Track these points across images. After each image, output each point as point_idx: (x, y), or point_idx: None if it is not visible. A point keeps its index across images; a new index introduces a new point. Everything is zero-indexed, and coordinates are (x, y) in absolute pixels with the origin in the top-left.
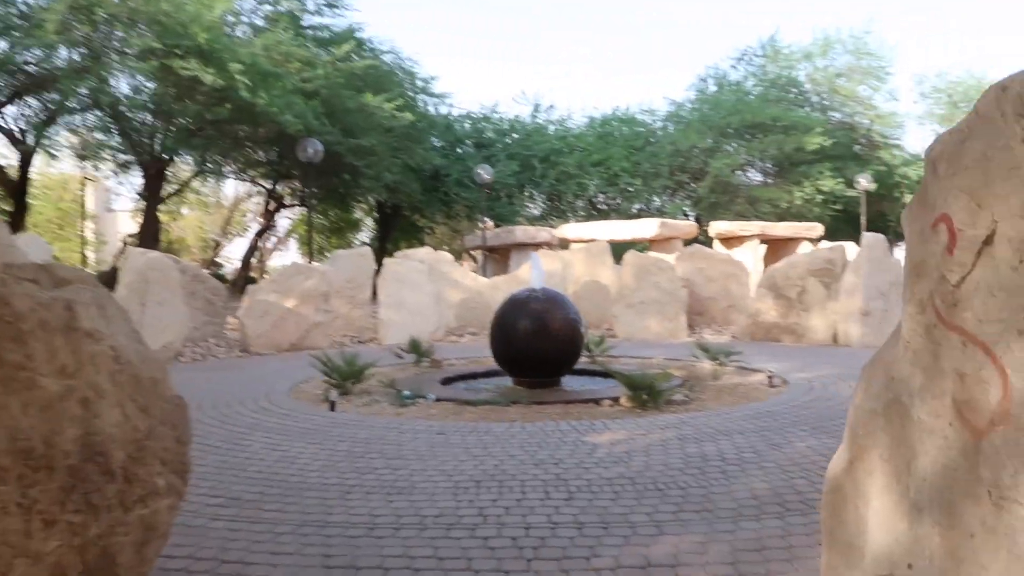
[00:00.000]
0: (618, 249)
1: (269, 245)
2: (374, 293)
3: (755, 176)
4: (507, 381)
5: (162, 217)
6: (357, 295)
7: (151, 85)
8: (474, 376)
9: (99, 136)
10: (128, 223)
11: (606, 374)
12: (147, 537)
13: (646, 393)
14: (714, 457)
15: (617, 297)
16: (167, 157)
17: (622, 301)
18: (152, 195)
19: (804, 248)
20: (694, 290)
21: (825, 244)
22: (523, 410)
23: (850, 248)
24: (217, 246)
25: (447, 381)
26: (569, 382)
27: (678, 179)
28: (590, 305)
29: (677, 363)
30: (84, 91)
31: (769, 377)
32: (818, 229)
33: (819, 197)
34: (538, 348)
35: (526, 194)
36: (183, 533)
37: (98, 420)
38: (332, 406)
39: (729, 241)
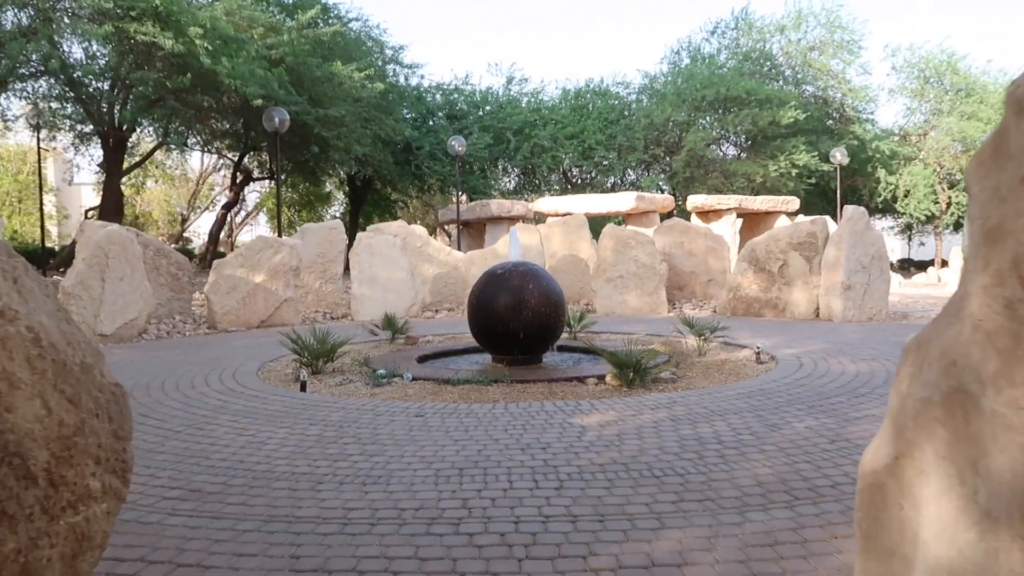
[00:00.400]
0: (594, 223)
1: (239, 219)
2: (346, 268)
3: (729, 150)
4: (486, 358)
5: (126, 191)
6: (329, 270)
7: (106, 50)
8: (452, 353)
9: (54, 105)
10: (91, 196)
11: (589, 351)
12: (79, 548)
13: (633, 371)
14: (711, 440)
15: (596, 272)
16: (126, 127)
17: (601, 276)
18: (113, 167)
19: (781, 222)
20: (674, 264)
21: (802, 218)
22: (505, 389)
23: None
24: (184, 220)
25: (424, 359)
26: (551, 359)
27: (653, 153)
28: (568, 279)
29: (660, 338)
30: (34, 56)
31: (756, 353)
32: (795, 203)
33: (793, 171)
34: (518, 324)
35: (500, 167)
36: (135, 532)
37: (11, 415)
38: (303, 386)
39: (707, 215)
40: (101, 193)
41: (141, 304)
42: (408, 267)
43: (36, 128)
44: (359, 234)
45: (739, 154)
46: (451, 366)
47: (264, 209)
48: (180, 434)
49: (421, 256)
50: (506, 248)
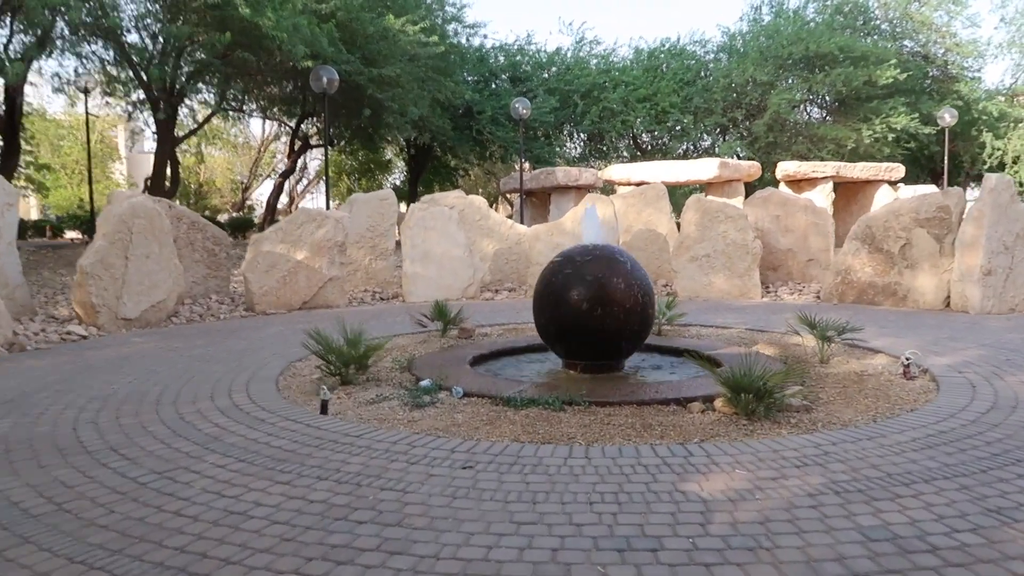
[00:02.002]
0: (670, 193)
1: (301, 187)
2: (400, 242)
3: (814, 113)
4: (553, 360)
5: (188, 159)
6: (379, 244)
7: (139, 5)
8: (513, 352)
9: (100, 67)
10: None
11: (679, 352)
12: None
13: (754, 396)
14: (913, 540)
15: (677, 249)
16: (177, 93)
17: (684, 254)
18: (165, 134)
19: (883, 192)
20: (767, 241)
21: (903, 188)
22: (582, 418)
23: (925, 192)
24: (246, 188)
25: (479, 360)
26: (634, 362)
27: (731, 116)
28: (645, 257)
29: (764, 335)
30: (61, 10)
31: (905, 366)
32: (899, 170)
33: (890, 136)
34: (597, 325)
35: (565, 133)
36: None
37: None
38: (323, 407)
39: (798, 184)
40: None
41: (170, 284)
42: (465, 242)
43: (85, 92)
44: (411, 206)
45: (824, 117)
46: (512, 373)
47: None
48: (142, 490)
49: (480, 230)
50: (573, 223)
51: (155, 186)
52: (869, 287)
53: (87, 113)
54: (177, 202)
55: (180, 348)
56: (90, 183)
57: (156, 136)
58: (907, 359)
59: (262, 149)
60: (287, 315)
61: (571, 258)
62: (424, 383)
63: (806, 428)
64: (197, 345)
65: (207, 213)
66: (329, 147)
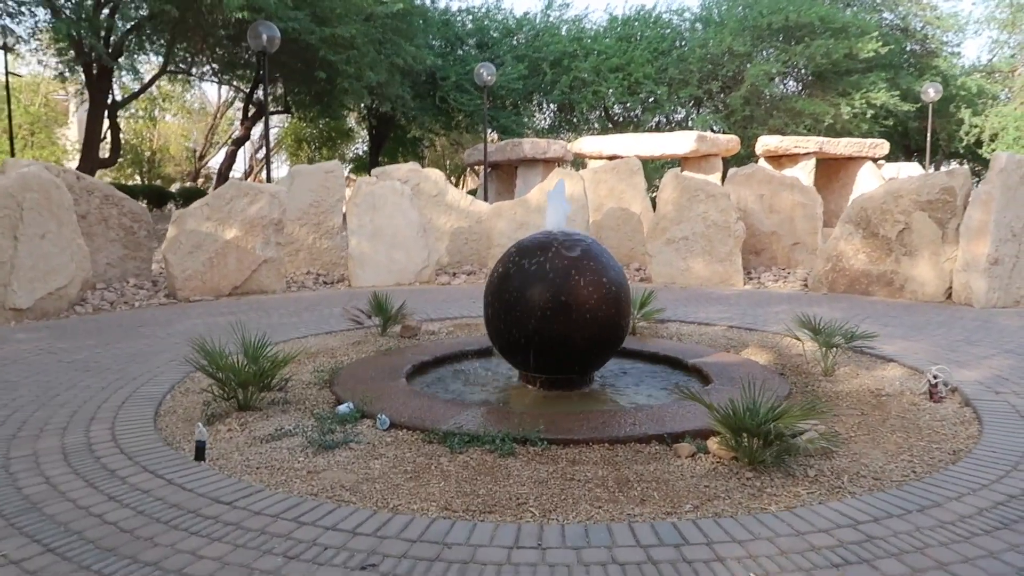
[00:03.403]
0: (644, 168)
1: (259, 156)
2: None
3: (791, 86)
4: (509, 372)
5: (136, 124)
6: (324, 222)
7: None
8: (462, 357)
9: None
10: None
11: (658, 360)
12: None
13: (762, 441)
14: None
15: (653, 231)
16: (109, 54)
17: (660, 236)
18: (97, 98)
19: (867, 169)
20: (751, 223)
21: (888, 166)
22: (538, 467)
23: (909, 169)
24: (202, 157)
25: (419, 369)
26: (606, 373)
27: (707, 89)
28: (616, 239)
29: (753, 335)
30: None
31: (932, 386)
32: (883, 147)
33: (869, 111)
34: (561, 332)
35: (534, 103)
36: None
37: None
38: (198, 451)
39: (779, 160)
40: (84, 129)
41: (72, 268)
42: (419, 221)
43: (3, 49)
44: (359, 180)
45: (800, 90)
46: (457, 389)
47: (283, 146)
48: None
49: (436, 207)
50: (539, 199)
51: (86, 155)
52: (863, 275)
53: (7, 72)
54: (128, 171)
55: (63, 350)
56: (11, 149)
57: (88, 100)
58: (934, 377)
59: (218, 115)
60: (213, 303)
61: (531, 249)
62: (342, 408)
63: (829, 484)
64: (86, 346)
65: (159, 182)
66: (287, 114)
